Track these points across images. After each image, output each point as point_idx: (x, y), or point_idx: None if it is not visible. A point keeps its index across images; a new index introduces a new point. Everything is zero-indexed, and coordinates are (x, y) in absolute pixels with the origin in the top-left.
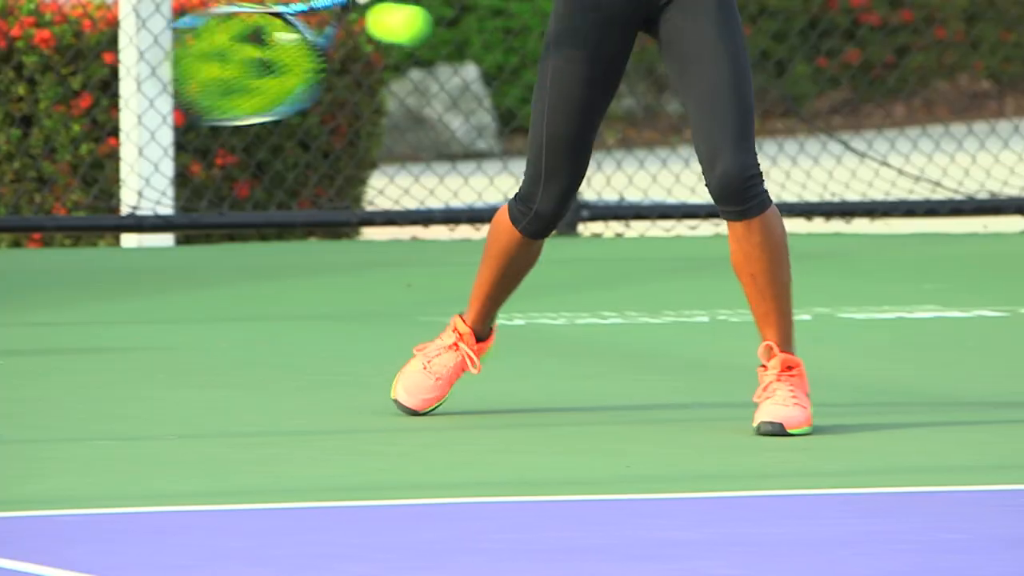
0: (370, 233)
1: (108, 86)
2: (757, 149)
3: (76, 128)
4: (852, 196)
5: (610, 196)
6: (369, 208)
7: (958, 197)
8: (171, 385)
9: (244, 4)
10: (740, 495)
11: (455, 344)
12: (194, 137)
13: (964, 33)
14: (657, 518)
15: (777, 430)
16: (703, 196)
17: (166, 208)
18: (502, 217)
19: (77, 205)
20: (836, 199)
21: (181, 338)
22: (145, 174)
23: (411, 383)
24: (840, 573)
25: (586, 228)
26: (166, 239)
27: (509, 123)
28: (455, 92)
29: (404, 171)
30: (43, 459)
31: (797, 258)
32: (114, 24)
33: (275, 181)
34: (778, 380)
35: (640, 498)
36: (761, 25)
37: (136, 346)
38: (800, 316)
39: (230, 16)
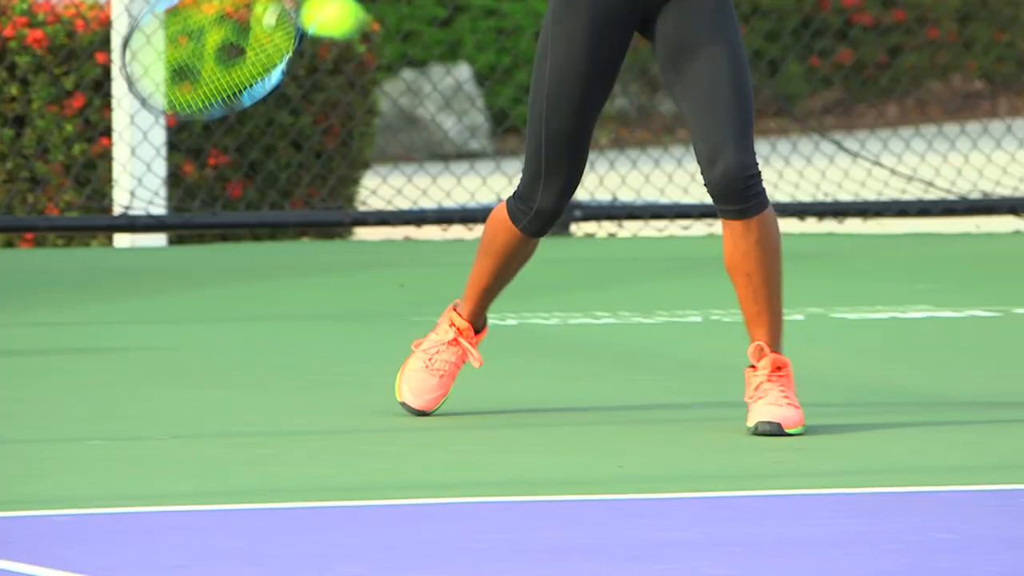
0: (363, 233)
1: (101, 86)
2: None
3: (69, 128)
4: (845, 196)
5: (603, 196)
6: (362, 208)
7: (951, 197)
8: (170, 385)
9: None
10: (733, 495)
11: (455, 340)
12: (187, 137)
13: (957, 33)
14: (650, 518)
15: (775, 430)
16: (696, 196)
17: (159, 208)
18: (500, 215)
19: (70, 205)
20: (829, 199)
21: (180, 338)
22: (138, 174)
23: (415, 384)
24: (833, 573)
25: (579, 228)
26: (159, 239)
27: (502, 123)
28: (448, 92)
29: (397, 171)
30: (42, 459)
31: (790, 258)
32: (107, 24)
33: (268, 181)
34: (768, 381)
35: (633, 498)
36: (754, 24)
37: (135, 346)
38: (793, 316)
39: None
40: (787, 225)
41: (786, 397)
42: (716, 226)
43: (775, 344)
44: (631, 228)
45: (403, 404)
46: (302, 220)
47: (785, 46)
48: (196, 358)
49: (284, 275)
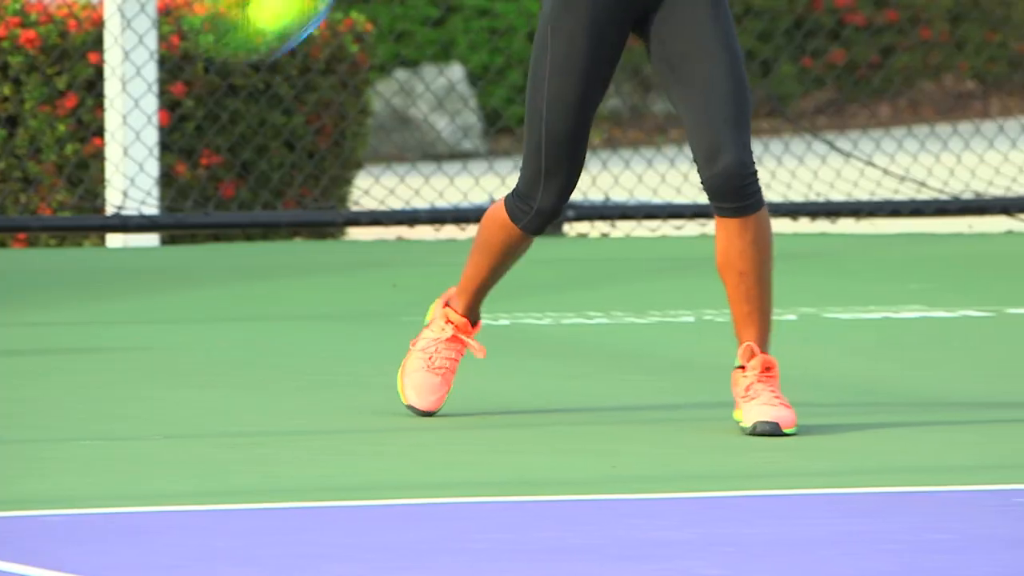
0: (355, 233)
1: (93, 86)
2: None
3: (61, 128)
4: (837, 196)
5: (596, 196)
6: (355, 208)
7: (943, 197)
8: (169, 385)
9: None
10: (726, 495)
11: (454, 336)
12: (179, 137)
13: (949, 33)
14: (643, 518)
15: (774, 430)
16: (689, 196)
17: (151, 208)
18: (498, 213)
19: (62, 205)
20: (821, 199)
21: (178, 338)
22: (130, 174)
23: (419, 384)
24: (826, 573)
25: (572, 228)
26: (151, 239)
27: (495, 123)
28: (441, 92)
29: (390, 171)
30: (40, 459)
31: (782, 258)
32: (99, 24)
33: (260, 181)
34: (759, 381)
35: (626, 498)
36: (746, 25)
37: (134, 346)
38: (786, 316)
39: None
40: (780, 225)
41: (777, 397)
42: (709, 226)
43: (763, 345)
44: (624, 228)
45: (409, 407)
46: (295, 220)
47: (778, 46)
48: (195, 358)
49: (279, 275)
